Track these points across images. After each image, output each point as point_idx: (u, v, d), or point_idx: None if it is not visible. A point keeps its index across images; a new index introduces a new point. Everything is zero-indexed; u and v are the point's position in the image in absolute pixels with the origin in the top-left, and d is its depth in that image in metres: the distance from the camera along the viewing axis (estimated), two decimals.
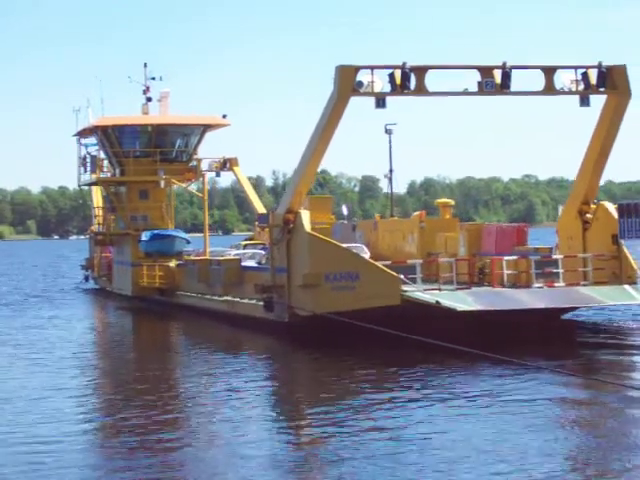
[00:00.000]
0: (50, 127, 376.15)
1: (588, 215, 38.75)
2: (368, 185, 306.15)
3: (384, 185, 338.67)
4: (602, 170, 38.99)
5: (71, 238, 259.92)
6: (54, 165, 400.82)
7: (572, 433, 19.91)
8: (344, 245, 46.06)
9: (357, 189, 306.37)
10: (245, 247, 54.10)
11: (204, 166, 62.15)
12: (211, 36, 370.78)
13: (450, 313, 32.57)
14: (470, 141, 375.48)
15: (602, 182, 41.97)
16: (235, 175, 64.59)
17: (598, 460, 17.59)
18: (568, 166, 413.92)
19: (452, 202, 51.41)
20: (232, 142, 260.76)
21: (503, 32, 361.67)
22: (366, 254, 45.66)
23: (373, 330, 31.37)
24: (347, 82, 34.59)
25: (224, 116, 56.47)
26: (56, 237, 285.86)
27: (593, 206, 38.82)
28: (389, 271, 34.49)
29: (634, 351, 31.79)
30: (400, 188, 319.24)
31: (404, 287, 34.28)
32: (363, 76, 34.90)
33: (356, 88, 34.75)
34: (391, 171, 62.86)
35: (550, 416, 21.33)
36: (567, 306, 34.88)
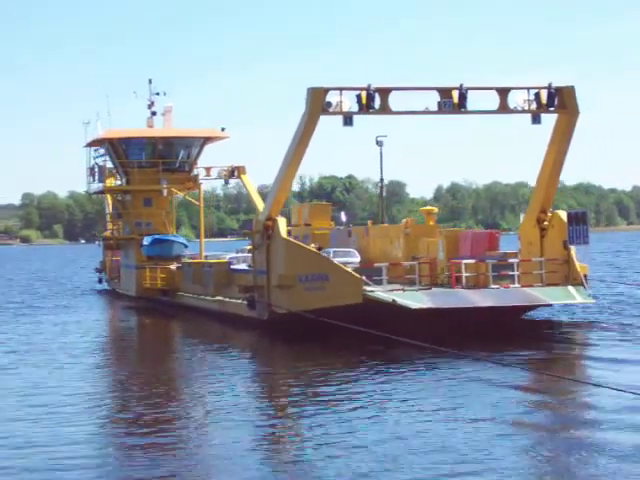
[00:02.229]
0: (77, 133, 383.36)
1: (545, 223, 42.04)
2: (394, 190, 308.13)
3: (411, 190, 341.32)
4: (557, 181, 42.55)
5: (97, 242, 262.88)
6: (80, 170, 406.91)
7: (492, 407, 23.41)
8: (339, 249, 50.09)
9: (384, 194, 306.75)
10: (250, 251, 57.70)
11: (213, 174, 66.18)
12: (209, 52, 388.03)
13: (407, 311, 36.09)
14: (497, 145, 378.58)
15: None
16: (242, 182, 68.09)
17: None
18: (594, 172, 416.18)
19: (435, 210, 54.41)
20: (241, 151, 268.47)
21: (462, 52, 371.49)
22: (357, 258, 49.44)
23: (340, 326, 34.68)
24: (317, 102, 38.06)
25: (223, 129, 60.27)
26: (82, 241, 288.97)
27: (550, 214, 42.25)
28: (353, 273, 38.15)
29: (564, 344, 35.19)
30: (427, 193, 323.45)
31: (366, 287, 37.91)
32: (332, 97, 38.47)
33: (325, 108, 38.29)
34: (382, 180, 66.55)
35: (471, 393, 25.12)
36: (511, 305, 37.95)
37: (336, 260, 44.84)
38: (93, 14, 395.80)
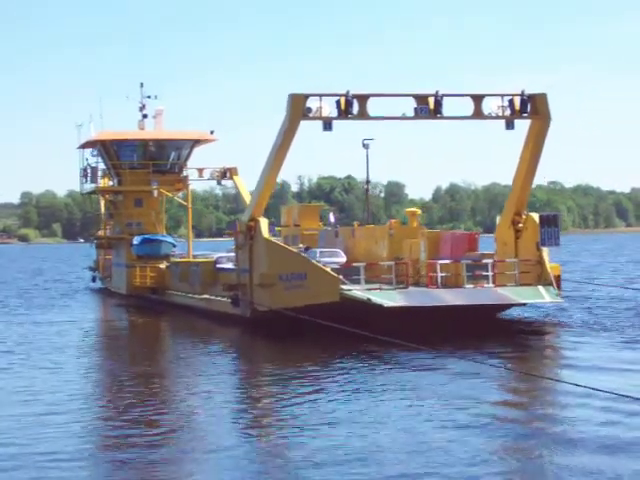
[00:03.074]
0: (74, 134, 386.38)
1: (520, 225, 43.52)
2: (393, 191, 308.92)
3: (410, 191, 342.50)
4: (530, 185, 44.04)
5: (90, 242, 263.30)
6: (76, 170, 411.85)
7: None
8: (325, 249, 51.48)
9: (382, 195, 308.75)
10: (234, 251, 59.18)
11: (206, 175, 67.61)
12: (199, 57, 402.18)
13: (380, 309, 37.56)
14: (496, 147, 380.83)
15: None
16: (234, 183, 69.49)
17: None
18: (595, 173, 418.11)
19: (419, 211, 55.71)
20: (229, 153, 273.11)
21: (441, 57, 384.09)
22: (342, 258, 50.87)
23: (318, 323, 35.97)
24: (298, 108, 39.52)
25: (212, 132, 61.77)
26: (81, 240, 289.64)
27: (524, 217, 43.69)
28: (331, 272, 39.61)
29: (528, 341, 36.68)
30: (426, 194, 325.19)
31: (343, 286, 39.37)
32: (312, 103, 39.91)
33: (305, 113, 39.74)
34: (368, 182, 67.85)
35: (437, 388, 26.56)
36: (481, 303, 39.26)
37: (322, 260, 46.49)
38: (89, 17, 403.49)
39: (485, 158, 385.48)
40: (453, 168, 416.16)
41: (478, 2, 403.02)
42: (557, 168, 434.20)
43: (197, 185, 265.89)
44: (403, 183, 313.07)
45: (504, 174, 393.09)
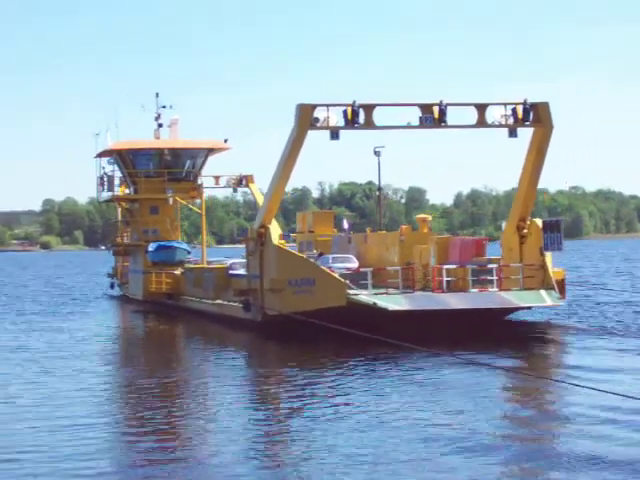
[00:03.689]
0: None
1: (524, 230, 44.49)
2: (414, 196, 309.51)
3: (431, 196, 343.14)
4: (535, 191, 45.00)
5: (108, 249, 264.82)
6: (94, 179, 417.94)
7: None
8: (338, 255, 52.54)
9: (403, 200, 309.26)
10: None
11: (222, 182, 68.80)
12: (212, 69, 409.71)
13: (386, 312, 38.62)
14: (517, 152, 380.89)
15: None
16: (251, 191, 70.54)
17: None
18: (617, 177, 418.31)
19: (430, 217, 56.77)
20: (242, 161, 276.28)
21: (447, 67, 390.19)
22: (355, 263, 51.95)
23: (327, 326, 37.03)
24: (305, 118, 40.61)
25: (225, 140, 63.03)
26: (102, 247, 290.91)
27: (528, 222, 44.65)
28: (338, 277, 40.74)
29: (532, 345, 37.68)
30: (447, 199, 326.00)
31: (350, 291, 40.48)
32: (320, 113, 40.99)
33: (313, 123, 40.83)
34: (380, 189, 69.07)
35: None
36: (484, 307, 40.10)
37: (335, 265, 47.68)
38: (106, 30, 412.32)
39: (503, 164, 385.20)
40: (474, 173, 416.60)
41: (478, 14, 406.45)
42: (579, 173, 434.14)
43: (218, 192, 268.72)
44: (424, 189, 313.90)
45: None
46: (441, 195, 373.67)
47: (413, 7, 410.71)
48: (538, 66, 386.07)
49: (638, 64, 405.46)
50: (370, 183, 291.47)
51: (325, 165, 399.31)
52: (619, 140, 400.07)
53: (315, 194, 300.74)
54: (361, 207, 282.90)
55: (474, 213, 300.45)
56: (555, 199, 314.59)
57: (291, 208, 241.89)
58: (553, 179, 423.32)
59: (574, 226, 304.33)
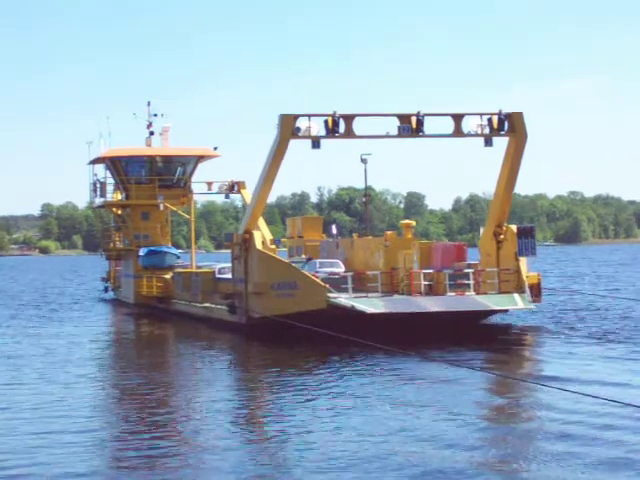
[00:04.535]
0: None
1: (501, 236, 46.00)
2: (413, 202, 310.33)
3: (430, 202, 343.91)
4: (510, 197, 46.42)
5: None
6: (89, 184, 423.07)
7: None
8: (325, 260, 53.86)
9: (402, 205, 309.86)
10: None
11: (214, 189, 70.21)
12: (201, 75, 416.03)
13: (363, 315, 40.09)
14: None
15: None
16: (242, 197, 71.90)
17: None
18: (615, 183, 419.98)
19: (413, 223, 58.07)
20: (231, 168, 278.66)
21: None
22: (341, 268, 53.32)
23: (307, 328, 38.51)
24: (287, 128, 42.15)
25: (215, 148, 64.61)
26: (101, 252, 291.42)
27: (504, 228, 46.14)
28: (318, 281, 42.25)
29: (498, 345, 39.16)
30: (446, 204, 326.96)
31: (330, 294, 41.95)
32: (302, 122, 42.52)
33: (295, 132, 42.34)
34: (366, 195, 70.47)
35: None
36: (459, 310, 41.59)
37: (322, 270, 49.08)
38: (100, 40, 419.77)
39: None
40: (473, 179, 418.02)
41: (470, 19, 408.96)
42: (577, 178, 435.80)
43: (216, 197, 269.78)
44: (423, 194, 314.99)
45: (523, 185, 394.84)
46: (440, 200, 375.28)
47: (394, 20, 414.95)
48: (538, 69, 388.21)
49: (638, 67, 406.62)
50: (369, 188, 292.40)
51: (324, 171, 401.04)
52: (618, 146, 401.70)
53: (314, 199, 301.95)
54: (359, 212, 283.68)
55: (473, 218, 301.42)
56: (554, 204, 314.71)
57: (290, 213, 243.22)
58: (552, 184, 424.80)
59: (573, 231, 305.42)
